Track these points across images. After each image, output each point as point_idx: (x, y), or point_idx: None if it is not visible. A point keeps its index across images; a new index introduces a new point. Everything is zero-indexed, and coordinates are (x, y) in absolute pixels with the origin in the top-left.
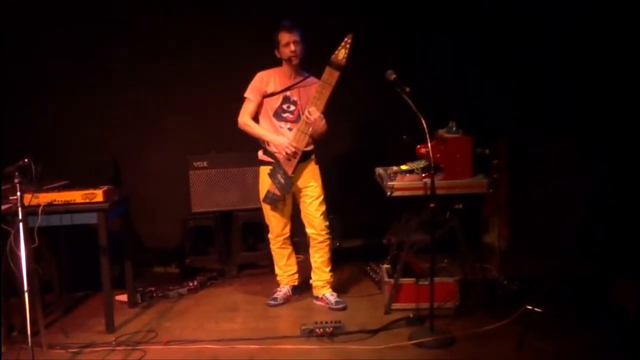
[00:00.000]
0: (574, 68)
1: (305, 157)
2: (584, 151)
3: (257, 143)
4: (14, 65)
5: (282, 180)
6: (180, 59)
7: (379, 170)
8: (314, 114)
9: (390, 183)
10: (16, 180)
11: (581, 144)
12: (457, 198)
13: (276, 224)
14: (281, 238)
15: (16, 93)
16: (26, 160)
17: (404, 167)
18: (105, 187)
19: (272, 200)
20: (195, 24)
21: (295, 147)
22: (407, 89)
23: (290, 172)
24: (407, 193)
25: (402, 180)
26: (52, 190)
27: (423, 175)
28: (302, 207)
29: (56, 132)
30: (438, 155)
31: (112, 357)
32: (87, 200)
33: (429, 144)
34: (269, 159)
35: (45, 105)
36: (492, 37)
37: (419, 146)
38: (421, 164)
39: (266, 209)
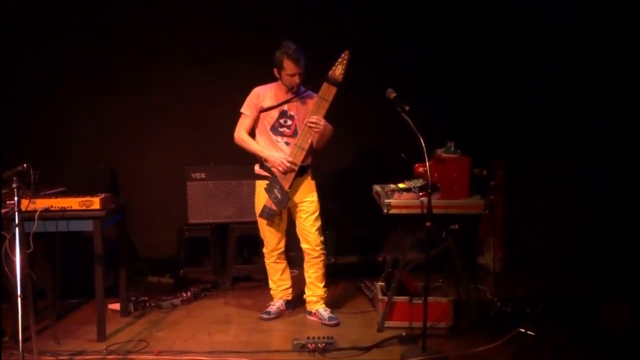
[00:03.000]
0: (571, 89)
1: (301, 172)
2: (579, 176)
3: (254, 157)
4: (13, 71)
5: (279, 195)
6: (182, 70)
7: (377, 187)
8: (320, 120)
9: (387, 200)
10: (14, 185)
11: (577, 169)
12: (453, 218)
13: (271, 239)
14: (276, 252)
15: (15, 99)
16: (25, 165)
17: (401, 185)
18: (102, 195)
19: (268, 215)
20: (197, 35)
21: (291, 162)
22: (407, 108)
23: (286, 187)
24: (403, 211)
25: (399, 198)
26: (49, 196)
27: (420, 194)
28: (297, 222)
29: (54, 139)
30: (435, 175)
31: None
32: (84, 208)
33: (427, 163)
34: (266, 173)
35: (43, 112)
36: (492, 59)
37: (416, 165)
38: (418, 182)
39: (262, 223)
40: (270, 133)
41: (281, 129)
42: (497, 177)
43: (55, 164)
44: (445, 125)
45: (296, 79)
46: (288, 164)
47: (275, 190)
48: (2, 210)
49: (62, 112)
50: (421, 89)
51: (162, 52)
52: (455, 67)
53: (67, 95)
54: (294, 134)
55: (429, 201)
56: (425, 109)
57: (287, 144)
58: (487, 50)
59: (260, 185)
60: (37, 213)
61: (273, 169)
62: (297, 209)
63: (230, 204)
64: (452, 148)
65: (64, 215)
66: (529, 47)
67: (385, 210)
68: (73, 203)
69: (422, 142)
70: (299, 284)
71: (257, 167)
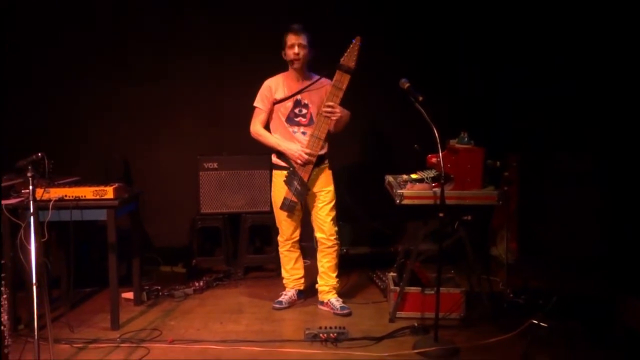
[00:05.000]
0: (589, 83)
1: (319, 162)
2: (595, 166)
3: (271, 148)
4: (27, 61)
5: (299, 187)
6: (195, 60)
7: (389, 178)
8: (335, 106)
9: (399, 191)
10: (29, 174)
11: (593, 160)
12: (466, 209)
13: (287, 228)
14: (290, 241)
15: (29, 89)
16: (39, 154)
17: (414, 176)
18: (116, 185)
19: (289, 207)
20: (212, 25)
21: (308, 154)
22: (421, 98)
23: (306, 178)
24: (416, 202)
25: (412, 188)
26: (64, 185)
27: (433, 184)
28: (313, 211)
29: (68, 129)
30: (449, 166)
31: (116, 354)
32: (98, 197)
33: (440, 154)
34: (283, 163)
35: (58, 102)
36: (507, 49)
37: (429, 155)
38: (431, 173)
39: (279, 213)
40: (286, 124)
41: (297, 119)
42: (510, 168)
43: (69, 154)
44: (458, 115)
45: (295, 49)
46: (306, 156)
47: (295, 182)
48: (17, 200)
49: (76, 103)
50: (435, 79)
51: (177, 42)
52: (469, 57)
53: (82, 85)
54: (310, 123)
55: (442, 192)
56: (439, 99)
57: (303, 133)
58: (500, 40)
59: (278, 176)
60: (52, 202)
61: (291, 161)
62: (314, 199)
63: (243, 194)
64: (466, 139)
65: (78, 204)
66: (543, 37)
67: (398, 201)
68: (87, 192)
69: (436, 132)
70: (311, 274)
71: (274, 157)
